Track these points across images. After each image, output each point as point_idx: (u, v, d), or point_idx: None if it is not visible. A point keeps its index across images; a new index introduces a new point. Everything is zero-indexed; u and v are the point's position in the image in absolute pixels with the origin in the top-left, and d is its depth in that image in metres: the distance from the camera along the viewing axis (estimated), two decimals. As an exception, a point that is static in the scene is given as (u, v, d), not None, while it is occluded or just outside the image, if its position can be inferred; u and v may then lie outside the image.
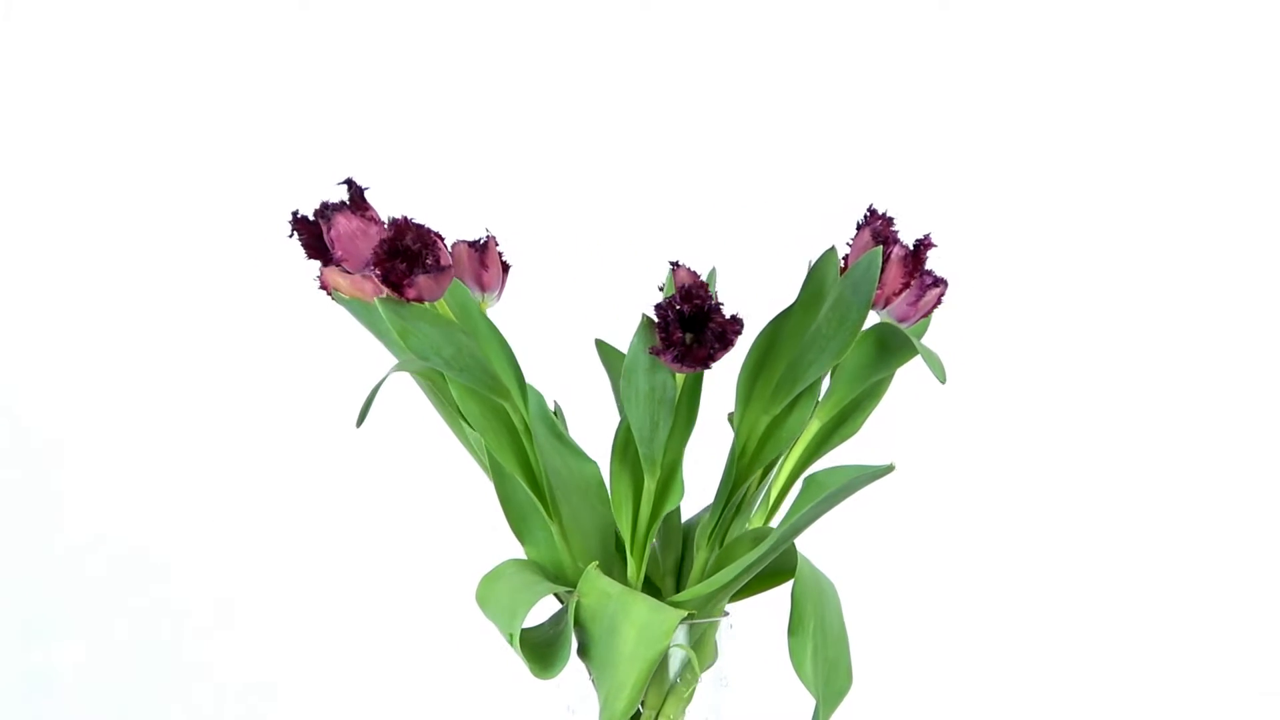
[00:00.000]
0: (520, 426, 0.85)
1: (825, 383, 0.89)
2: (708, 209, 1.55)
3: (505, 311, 0.89)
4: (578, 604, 0.83)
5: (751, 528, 0.93)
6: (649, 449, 0.84)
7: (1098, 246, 1.57)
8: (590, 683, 0.88)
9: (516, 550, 0.92)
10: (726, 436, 0.89)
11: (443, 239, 0.81)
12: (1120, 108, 1.57)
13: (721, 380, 0.95)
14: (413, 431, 1.16)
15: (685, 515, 0.94)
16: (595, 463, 0.89)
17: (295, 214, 0.83)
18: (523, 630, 0.82)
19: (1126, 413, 1.57)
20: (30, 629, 1.53)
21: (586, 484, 0.88)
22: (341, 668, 1.53)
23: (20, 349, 1.57)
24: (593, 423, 0.91)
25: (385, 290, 0.80)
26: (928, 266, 0.87)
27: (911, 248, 0.85)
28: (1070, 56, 1.58)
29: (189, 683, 1.52)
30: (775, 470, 0.92)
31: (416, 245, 0.78)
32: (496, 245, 0.87)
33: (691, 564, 0.90)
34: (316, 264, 0.85)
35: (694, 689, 0.88)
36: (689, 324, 0.78)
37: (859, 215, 0.88)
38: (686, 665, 0.88)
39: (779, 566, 0.89)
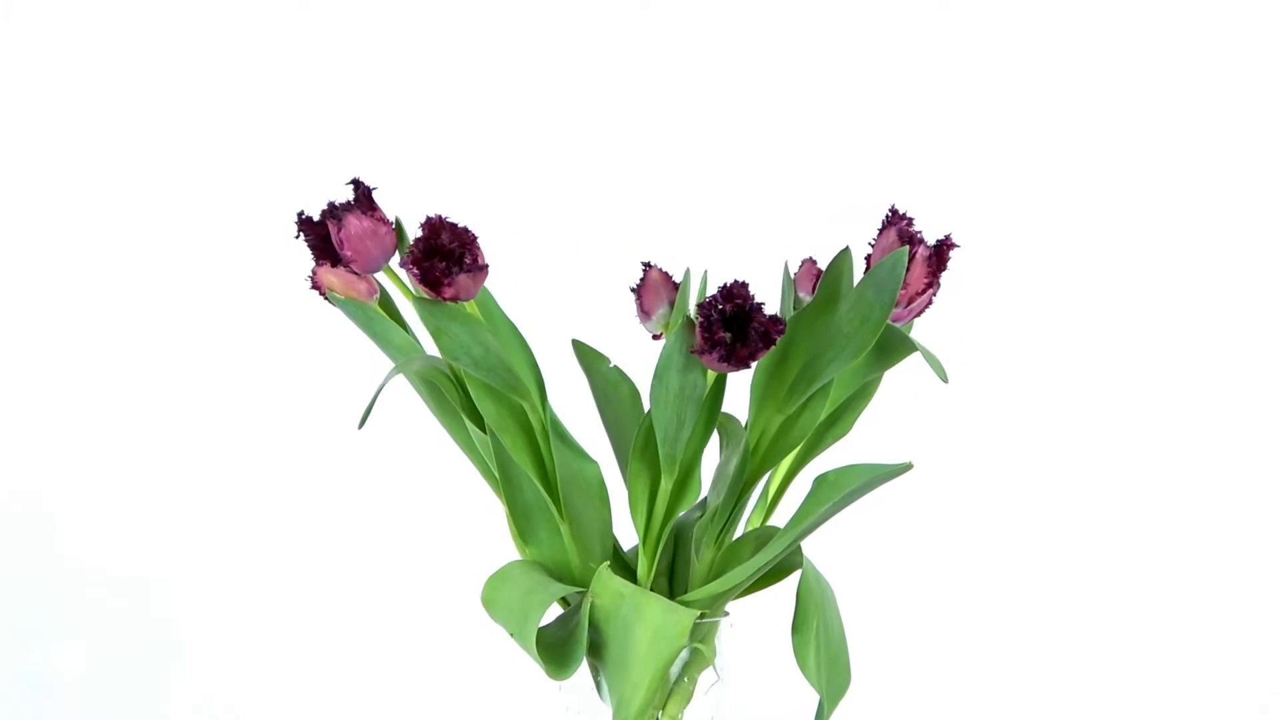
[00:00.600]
0: (538, 427, 0.85)
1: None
2: (683, 210, 1.55)
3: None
4: (591, 604, 0.83)
5: (751, 528, 0.93)
6: (672, 448, 0.83)
7: (1095, 246, 1.57)
8: (592, 682, 0.88)
9: (509, 551, 0.92)
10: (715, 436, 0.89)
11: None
12: (1120, 107, 1.57)
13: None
14: (404, 432, 1.16)
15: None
16: (596, 463, 0.89)
17: (301, 215, 0.82)
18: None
19: (1122, 412, 1.57)
20: (30, 629, 1.53)
21: (588, 484, 0.88)
22: (341, 668, 1.53)
23: (20, 349, 1.57)
24: (571, 423, 0.91)
25: (420, 288, 0.79)
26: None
27: (933, 248, 0.84)
28: (1067, 57, 1.58)
29: (189, 683, 1.52)
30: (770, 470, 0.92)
31: (454, 244, 0.77)
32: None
33: (686, 564, 0.90)
34: (305, 265, 0.85)
35: (694, 686, 0.88)
36: (729, 324, 0.77)
37: (846, 215, 0.88)
38: (688, 663, 0.88)
39: (780, 565, 0.90)
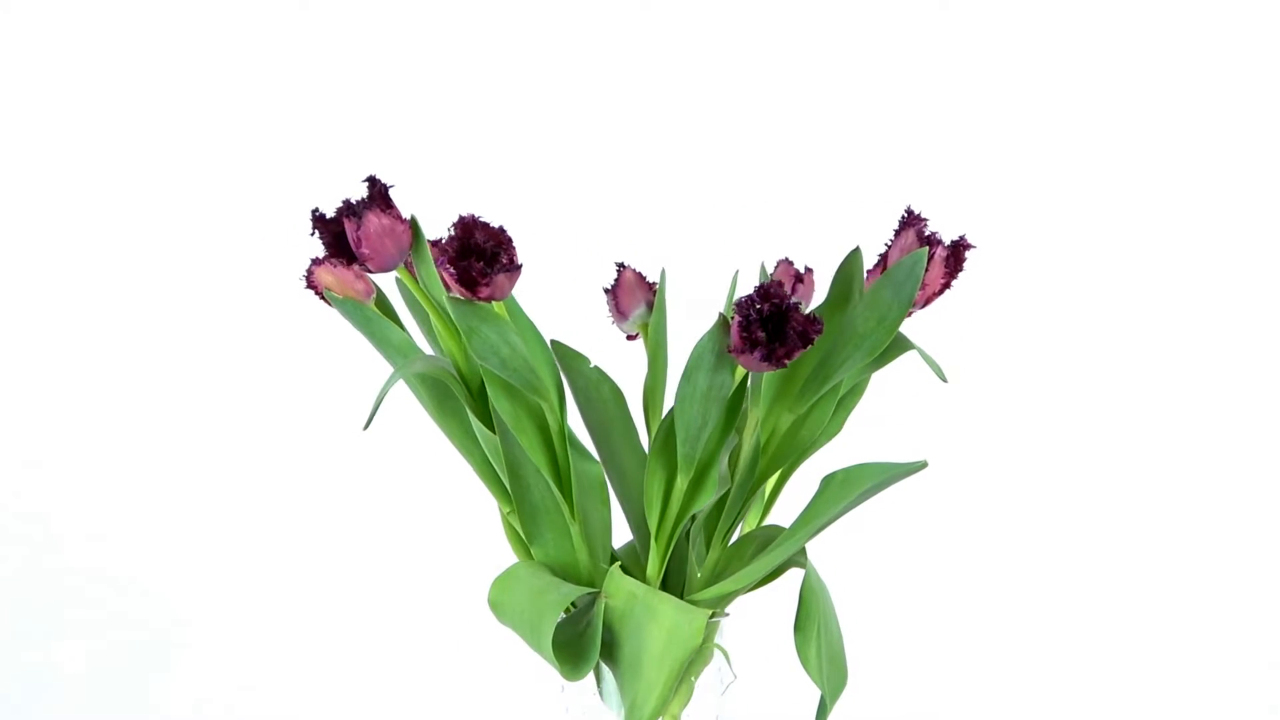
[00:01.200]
0: (554, 427, 0.84)
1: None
2: (653, 211, 1.55)
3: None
4: (605, 605, 0.83)
5: (749, 527, 0.93)
6: (692, 447, 0.83)
7: (1094, 246, 1.58)
8: (593, 684, 0.88)
9: (504, 551, 0.92)
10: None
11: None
12: (1119, 107, 1.58)
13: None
14: (400, 433, 1.16)
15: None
16: (599, 463, 0.89)
17: (316, 212, 0.82)
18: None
19: (1121, 412, 1.57)
20: (30, 629, 1.52)
21: (593, 484, 0.88)
22: (340, 669, 1.53)
23: (20, 349, 1.57)
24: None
25: (456, 288, 0.79)
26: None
27: (949, 248, 0.84)
28: (1064, 57, 1.58)
29: (189, 683, 1.52)
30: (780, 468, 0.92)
31: (490, 244, 0.77)
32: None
33: (682, 562, 0.90)
34: (299, 265, 0.84)
35: (695, 685, 0.89)
36: (765, 323, 0.78)
37: (833, 216, 0.88)
38: (691, 663, 0.88)
39: (782, 564, 0.90)
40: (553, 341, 0.92)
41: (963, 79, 1.58)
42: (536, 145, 1.58)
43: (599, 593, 0.85)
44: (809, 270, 0.92)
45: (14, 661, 1.51)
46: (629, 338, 0.93)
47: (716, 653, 0.88)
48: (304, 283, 0.85)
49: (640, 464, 0.91)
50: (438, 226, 0.83)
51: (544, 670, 0.88)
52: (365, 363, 0.94)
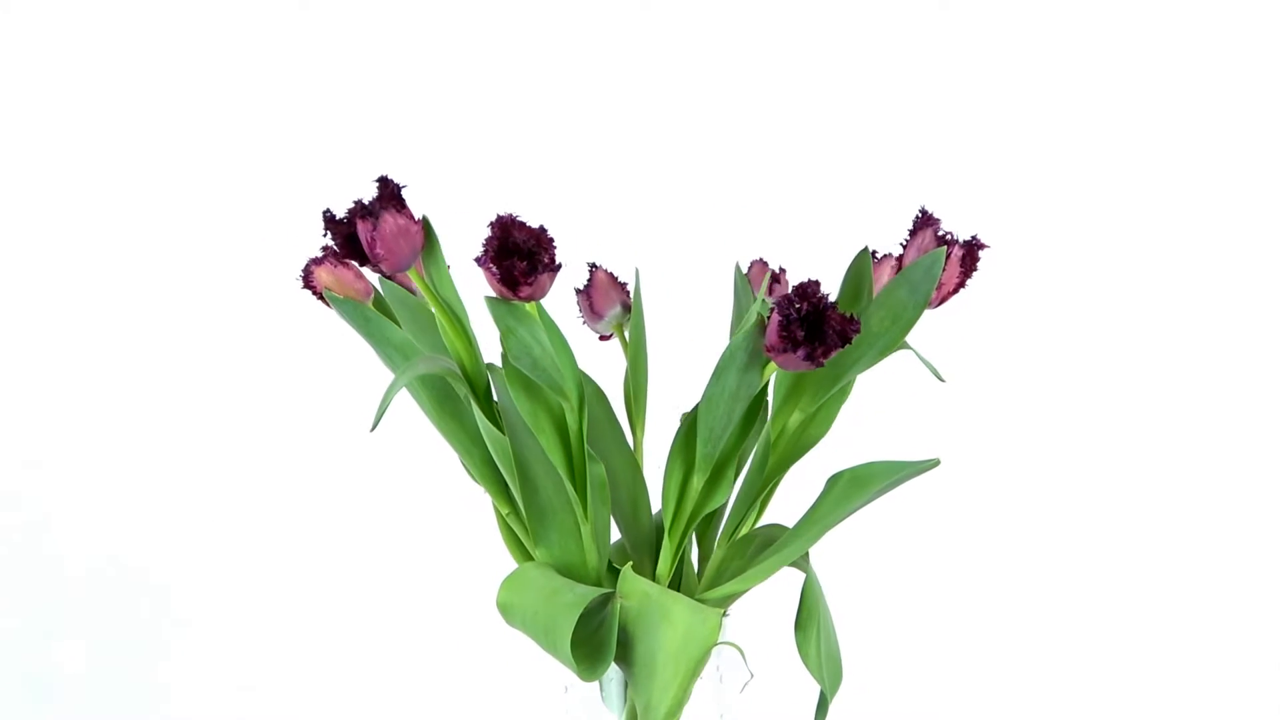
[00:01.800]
0: (574, 428, 0.84)
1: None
2: (623, 211, 1.55)
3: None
4: (621, 606, 0.83)
5: (746, 528, 0.93)
6: (714, 447, 0.84)
7: (1092, 245, 1.58)
8: (597, 686, 0.88)
9: (498, 552, 0.92)
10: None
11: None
12: (1118, 107, 1.58)
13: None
14: (397, 433, 1.16)
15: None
16: (602, 465, 0.89)
17: (327, 213, 0.81)
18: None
19: (1119, 411, 1.57)
20: (30, 629, 1.52)
21: (599, 484, 0.88)
22: (340, 671, 1.53)
23: (20, 349, 1.56)
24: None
25: (498, 288, 0.78)
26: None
27: (964, 247, 0.85)
28: (1064, 57, 1.58)
29: (189, 683, 1.52)
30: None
31: (529, 243, 0.77)
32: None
33: (681, 562, 0.91)
34: (295, 265, 0.84)
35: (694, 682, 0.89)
36: (802, 322, 0.78)
37: (826, 217, 0.88)
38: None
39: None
40: None
41: (962, 79, 1.58)
42: (535, 146, 1.58)
43: (613, 593, 0.84)
44: (782, 270, 0.93)
45: (14, 662, 1.51)
46: (602, 338, 0.93)
47: (715, 653, 0.88)
48: (301, 283, 0.84)
49: (629, 466, 0.91)
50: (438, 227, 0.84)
51: (544, 671, 0.88)
52: (360, 362, 0.94)
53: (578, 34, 1.59)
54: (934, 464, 0.81)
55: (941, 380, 0.82)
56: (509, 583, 0.86)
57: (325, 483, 1.55)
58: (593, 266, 0.90)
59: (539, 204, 1.51)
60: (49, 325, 1.57)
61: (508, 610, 0.85)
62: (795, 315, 0.77)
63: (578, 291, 0.91)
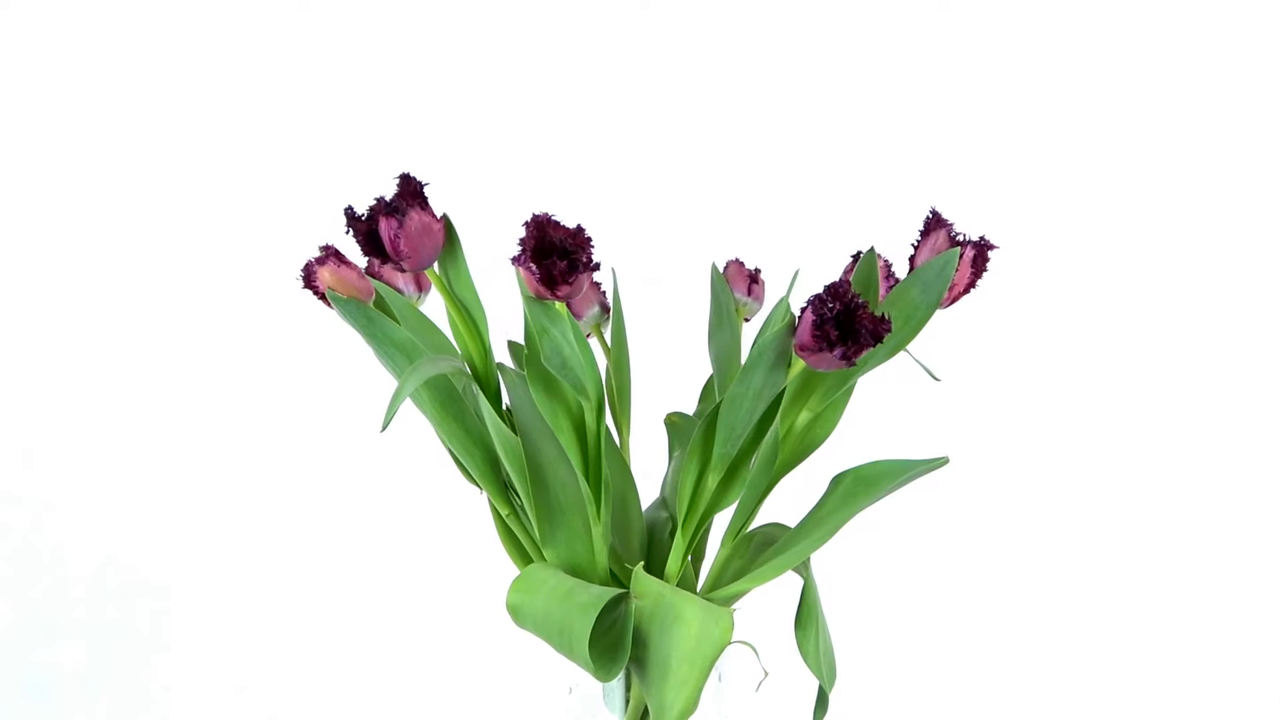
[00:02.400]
0: (592, 427, 0.84)
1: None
2: (601, 209, 1.55)
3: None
4: (635, 606, 0.83)
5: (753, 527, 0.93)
6: (733, 446, 0.83)
7: (1091, 245, 1.58)
8: (598, 688, 0.88)
9: (496, 553, 0.91)
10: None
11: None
12: (1121, 106, 1.58)
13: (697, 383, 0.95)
14: (396, 434, 1.16)
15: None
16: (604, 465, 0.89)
17: (349, 211, 0.81)
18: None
19: (1117, 410, 1.57)
20: (30, 629, 1.52)
21: (607, 485, 0.87)
22: (340, 672, 1.52)
23: (20, 349, 1.56)
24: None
25: (535, 288, 0.78)
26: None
27: (975, 247, 0.85)
28: (1064, 57, 1.58)
29: (188, 683, 1.51)
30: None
31: (569, 243, 0.77)
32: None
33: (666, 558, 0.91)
34: (294, 265, 0.84)
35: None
36: (835, 322, 0.78)
37: (832, 217, 0.88)
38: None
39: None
40: (509, 342, 0.92)
41: (962, 79, 1.58)
42: (541, 146, 1.58)
43: (627, 593, 0.84)
44: (758, 270, 0.93)
45: (14, 662, 1.51)
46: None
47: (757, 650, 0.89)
48: (301, 283, 0.84)
49: (619, 466, 0.91)
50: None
51: (544, 671, 0.88)
52: (359, 363, 0.94)
53: (578, 34, 1.59)
54: (943, 462, 0.81)
55: (936, 380, 0.83)
56: (519, 584, 0.85)
57: (325, 483, 1.54)
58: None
59: (533, 202, 1.52)
60: (49, 325, 1.56)
61: (518, 612, 0.84)
62: (829, 315, 0.77)
63: None
